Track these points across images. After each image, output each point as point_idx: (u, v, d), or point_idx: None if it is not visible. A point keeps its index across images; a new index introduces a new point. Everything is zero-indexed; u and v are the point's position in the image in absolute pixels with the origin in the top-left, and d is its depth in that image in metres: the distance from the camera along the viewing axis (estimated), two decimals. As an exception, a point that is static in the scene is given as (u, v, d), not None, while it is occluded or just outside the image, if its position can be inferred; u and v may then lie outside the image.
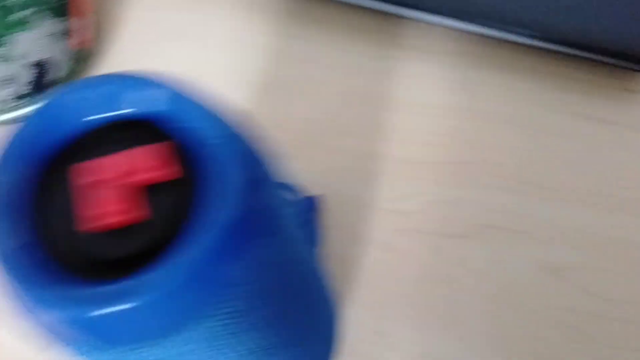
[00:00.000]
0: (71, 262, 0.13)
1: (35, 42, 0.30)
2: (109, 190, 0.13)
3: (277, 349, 0.17)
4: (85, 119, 0.15)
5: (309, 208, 0.28)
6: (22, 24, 0.30)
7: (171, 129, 0.15)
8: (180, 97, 0.14)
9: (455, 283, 0.27)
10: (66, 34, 0.32)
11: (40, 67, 0.30)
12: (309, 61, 0.33)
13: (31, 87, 0.30)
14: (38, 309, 0.12)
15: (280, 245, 0.16)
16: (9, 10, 0.29)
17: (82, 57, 0.33)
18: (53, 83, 0.31)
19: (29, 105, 0.31)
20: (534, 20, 0.28)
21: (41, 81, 0.30)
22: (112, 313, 0.12)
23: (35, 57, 0.30)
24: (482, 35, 0.32)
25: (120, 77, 0.15)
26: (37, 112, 0.14)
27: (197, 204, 0.14)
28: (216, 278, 0.13)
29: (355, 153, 0.30)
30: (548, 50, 0.31)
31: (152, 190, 0.14)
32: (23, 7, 0.29)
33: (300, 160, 0.30)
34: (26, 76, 0.30)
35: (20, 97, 0.30)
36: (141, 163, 0.13)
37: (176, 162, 0.14)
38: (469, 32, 0.33)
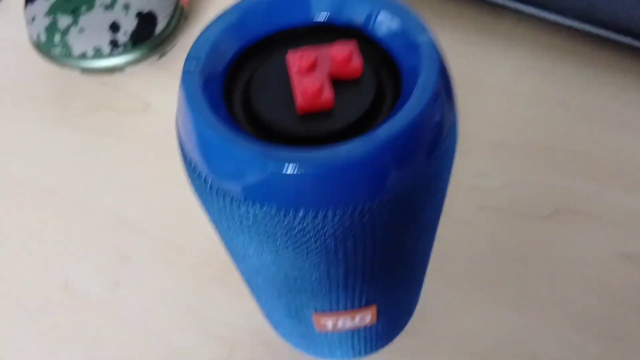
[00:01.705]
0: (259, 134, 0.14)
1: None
2: (305, 76, 0.14)
3: (388, 274, 0.17)
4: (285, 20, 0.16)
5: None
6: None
7: (357, 33, 0.16)
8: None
9: (529, 263, 0.27)
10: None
11: (142, 19, 0.32)
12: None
13: (129, 37, 0.31)
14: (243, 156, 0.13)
15: (443, 166, 0.16)
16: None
17: (181, 14, 0.34)
18: (151, 36, 0.32)
19: (123, 54, 0.32)
20: (629, 18, 0.29)
21: (140, 33, 0.32)
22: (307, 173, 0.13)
23: (138, 8, 0.32)
24: (575, 30, 0.34)
25: None
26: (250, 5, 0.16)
27: (379, 101, 0.15)
28: (391, 168, 0.13)
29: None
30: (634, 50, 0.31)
31: (336, 84, 0.15)
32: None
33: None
34: (127, 25, 0.31)
35: (118, 45, 0.31)
36: (333, 56, 0.14)
37: (360, 60, 0.15)
38: (561, 25, 0.34)
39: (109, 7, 0.31)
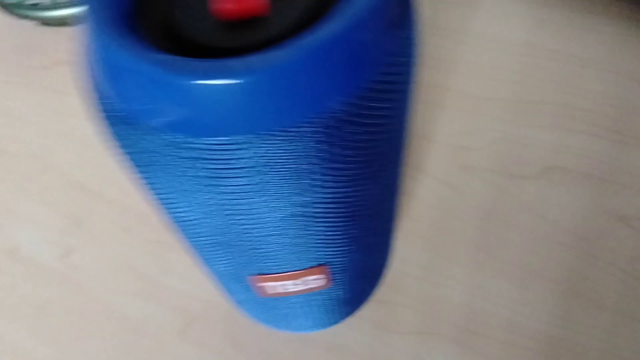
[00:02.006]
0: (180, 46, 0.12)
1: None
2: None
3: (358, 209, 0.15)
4: None
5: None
6: None
7: None
8: None
9: (518, 225, 0.25)
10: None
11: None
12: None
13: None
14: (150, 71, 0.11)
15: (406, 85, 0.14)
16: None
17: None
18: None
19: (72, 6, 0.29)
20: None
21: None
22: (214, 86, 0.10)
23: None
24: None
25: None
26: None
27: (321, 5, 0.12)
28: (335, 74, 0.11)
29: (423, 86, 0.28)
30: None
31: None
32: None
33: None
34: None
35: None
36: None
37: None
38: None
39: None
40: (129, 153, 0.13)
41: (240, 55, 0.11)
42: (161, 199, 0.15)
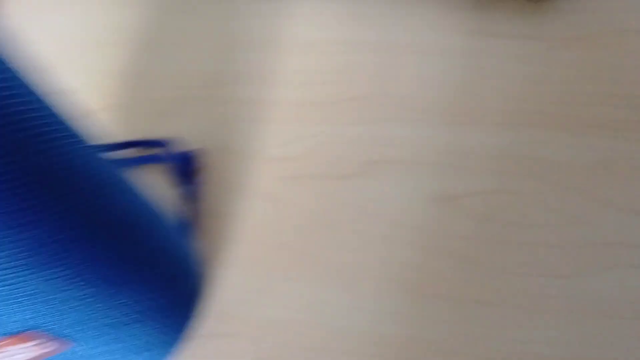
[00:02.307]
0: None
1: None
2: None
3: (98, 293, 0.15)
4: None
5: (185, 162, 0.26)
6: None
7: None
8: None
9: (344, 227, 0.24)
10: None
11: None
12: (184, 12, 0.31)
13: None
14: None
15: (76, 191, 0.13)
16: None
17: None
18: None
19: None
20: None
21: None
22: None
23: None
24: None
25: None
26: None
27: None
28: None
29: (237, 102, 0.28)
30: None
31: None
32: None
33: (182, 115, 0.28)
34: None
35: None
36: None
37: None
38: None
39: None
40: None
41: None
42: None
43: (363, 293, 0.23)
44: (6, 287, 0.14)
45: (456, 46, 0.27)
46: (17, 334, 0.15)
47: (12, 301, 0.14)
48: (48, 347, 0.16)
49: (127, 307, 0.18)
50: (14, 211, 0.13)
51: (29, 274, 0.14)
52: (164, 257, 0.20)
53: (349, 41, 0.28)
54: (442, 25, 0.27)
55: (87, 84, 0.30)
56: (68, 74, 0.30)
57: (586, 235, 0.22)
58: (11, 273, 0.14)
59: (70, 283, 0.15)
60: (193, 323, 0.23)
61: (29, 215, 0.14)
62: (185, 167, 0.26)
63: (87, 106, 0.29)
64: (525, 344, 0.21)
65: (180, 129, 0.27)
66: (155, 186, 0.26)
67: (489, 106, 0.25)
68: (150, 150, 0.27)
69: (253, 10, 0.30)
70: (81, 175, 0.16)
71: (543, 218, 0.23)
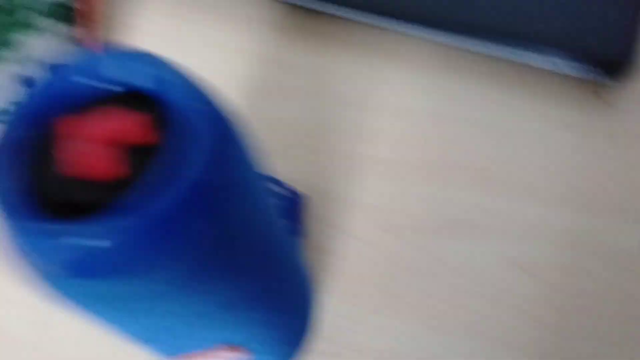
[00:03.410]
0: (56, 205, 0.15)
1: (44, 45, 0.33)
2: (96, 147, 0.15)
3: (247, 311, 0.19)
4: (84, 89, 0.17)
5: (293, 202, 0.30)
6: (28, 27, 0.33)
7: (159, 101, 0.17)
8: (167, 73, 0.17)
9: (429, 275, 0.29)
10: (75, 39, 0.34)
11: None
12: (297, 68, 0.35)
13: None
14: (19, 239, 0.14)
15: (251, 219, 0.17)
16: (11, 13, 0.32)
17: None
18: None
19: None
20: (507, 29, 0.30)
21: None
22: (82, 247, 0.14)
23: (46, 59, 0.33)
24: (459, 48, 0.35)
25: (116, 52, 0.17)
26: (46, 80, 0.17)
27: (168, 166, 0.16)
28: (178, 231, 0.15)
29: (338, 153, 0.32)
30: (522, 64, 0.32)
31: (133, 152, 0.16)
32: (28, 11, 0.32)
33: (288, 160, 0.32)
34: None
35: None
36: (125, 127, 0.16)
37: (155, 130, 0.16)
38: (447, 45, 0.35)
39: (17, 61, 0.33)
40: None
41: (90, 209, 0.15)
42: (91, 315, 0.18)
43: (450, 335, 0.27)
44: (217, 316, 0.18)
45: (536, 130, 0.32)
46: (222, 346, 0.19)
47: (220, 324, 0.19)
48: (239, 357, 0.20)
49: (280, 327, 0.22)
50: (218, 262, 0.18)
51: (230, 307, 0.19)
52: (304, 284, 0.24)
53: (438, 113, 0.33)
54: (525, 110, 0.32)
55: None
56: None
57: None
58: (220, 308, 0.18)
59: (256, 311, 0.20)
60: (307, 340, 0.27)
61: (231, 266, 0.18)
62: (293, 206, 0.30)
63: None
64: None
65: (285, 172, 0.32)
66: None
67: (569, 187, 0.30)
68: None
69: (356, 74, 0.34)
70: (267, 221, 0.20)
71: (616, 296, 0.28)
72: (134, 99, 0.17)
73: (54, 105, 0.17)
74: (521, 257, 0.29)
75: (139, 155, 0.16)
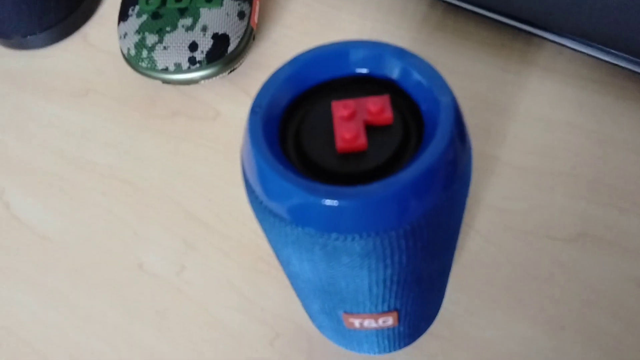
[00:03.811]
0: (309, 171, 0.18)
1: (216, 17, 0.36)
2: (345, 123, 0.18)
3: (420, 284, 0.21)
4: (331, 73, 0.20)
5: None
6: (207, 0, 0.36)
7: (392, 86, 0.19)
8: (412, 64, 0.19)
9: (549, 283, 0.30)
10: (243, 13, 0.37)
11: (217, 39, 0.36)
12: (439, 66, 0.37)
13: (205, 55, 0.36)
14: (288, 192, 0.17)
15: (457, 201, 0.19)
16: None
17: (251, 34, 0.38)
18: (224, 55, 0.37)
19: (199, 70, 0.36)
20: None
21: (215, 52, 0.36)
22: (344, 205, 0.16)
23: (215, 30, 0.36)
24: (609, 63, 0.35)
25: (374, 44, 0.19)
26: (301, 59, 0.19)
27: (405, 145, 0.18)
28: (408, 204, 0.17)
29: (475, 153, 0.34)
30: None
31: (370, 130, 0.18)
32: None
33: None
34: (204, 45, 0.36)
35: (195, 62, 0.36)
36: (369, 107, 0.18)
37: (391, 112, 0.18)
38: (598, 59, 0.36)
39: (190, 28, 0.36)
40: (265, 228, 0.20)
41: (348, 179, 0.18)
42: (280, 256, 0.21)
43: (562, 343, 0.28)
44: (402, 293, 0.21)
45: (666, 156, 0.32)
46: (388, 312, 0.22)
47: (392, 295, 0.21)
48: (394, 321, 0.22)
49: (431, 303, 0.24)
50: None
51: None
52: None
53: (571, 124, 0.34)
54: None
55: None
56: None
57: None
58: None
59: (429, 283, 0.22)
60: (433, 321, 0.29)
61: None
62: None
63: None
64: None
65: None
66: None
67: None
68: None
69: (504, 79, 0.36)
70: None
71: None
72: (369, 83, 0.20)
73: (306, 79, 0.19)
74: (648, 279, 0.29)
75: (375, 131, 0.18)
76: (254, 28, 0.38)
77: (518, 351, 0.28)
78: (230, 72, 0.38)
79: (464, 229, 0.32)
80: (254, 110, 0.19)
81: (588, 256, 0.30)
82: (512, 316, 0.29)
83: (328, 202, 0.16)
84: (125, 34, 0.37)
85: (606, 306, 0.29)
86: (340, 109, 0.19)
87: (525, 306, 0.29)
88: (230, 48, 0.37)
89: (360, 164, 0.18)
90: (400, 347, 0.27)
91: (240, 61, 0.38)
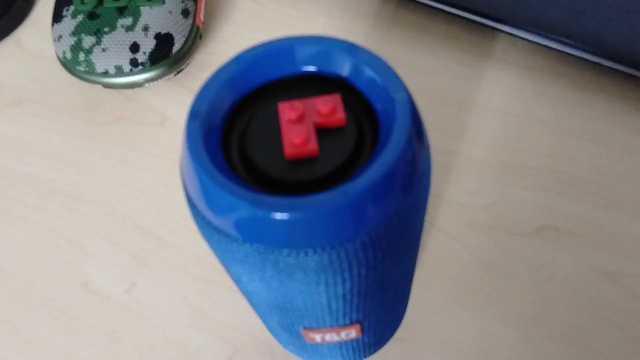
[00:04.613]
0: (251, 179, 0.16)
1: (158, 16, 0.34)
2: (293, 126, 0.16)
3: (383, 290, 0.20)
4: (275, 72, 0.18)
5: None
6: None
7: (343, 84, 0.18)
8: (363, 60, 0.17)
9: (513, 278, 0.29)
10: (188, 11, 0.35)
11: (160, 39, 0.34)
12: (394, 62, 0.36)
13: (148, 56, 0.34)
14: (230, 205, 0.15)
15: (418, 204, 0.18)
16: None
17: (197, 33, 0.36)
18: (168, 55, 0.34)
19: (142, 73, 0.34)
20: (616, 43, 0.31)
21: (158, 52, 0.34)
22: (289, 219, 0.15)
23: (157, 30, 0.34)
24: (563, 53, 0.35)
25: (321, 39, 0.18)
26: (238, 59, 0.18)
27: (359, 148, 0.17)
28: (366, 213, 0.16)
29: (433, 149, 0.33)
30: (629, 74, 0.33)
31: (321, 133, 0.17)
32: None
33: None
34: (146, 46, 0.34)
35: (137, 64, 0.34)
36: (319, 108, 0.17)
37: (343, 112, 0.17)
38: (551, 49, 0.35)
39: (130, 28, 0.34)
40: (211, 246, 0.18)
41: (299, 189, 0.16)
42: (230, 273, 0.19)
43: (528, 337, 0.28)
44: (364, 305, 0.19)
45: (619, 141, 0.32)
46: (350, 324, 0.20)
47: (352, 308, 0.20)
48: (357, 333, 0.21)
49: (393, 309, 0.23)
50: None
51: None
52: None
53: (529, 116, 0.33)
54: (616, 119, 0.33)
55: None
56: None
57: None
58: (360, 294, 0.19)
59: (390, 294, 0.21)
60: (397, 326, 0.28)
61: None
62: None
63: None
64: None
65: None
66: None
67: (646, 202, 0.31)
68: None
69: (459, 73, 0.35)
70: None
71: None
72: (318, 82, 0.18)
73: (250, 79, 0.18)
74: (616, 270, 0.29)
75: (327, 134, 0.17)
76: (200, 27, 0.36)
77: (486, 348, 0.28)
78: (177, 73, 0.36)
79: (425, 227, 0.31)
80: (192, 116, 0.17)
81: (551, 249, 0.30)
82: (479, 313, 0.28)
83: (277, 215, 0.15)
84: (60, 37, 0.34)
85: (572, 299, 0.28)
86: (288, 111, 0.17)
87: (491, 302, 0.29)
88: (175, 48, 0.35)
89: (312, 170, 0.16)
90: (366, 356, 0.26)
91: (187, 62, 0.36)
